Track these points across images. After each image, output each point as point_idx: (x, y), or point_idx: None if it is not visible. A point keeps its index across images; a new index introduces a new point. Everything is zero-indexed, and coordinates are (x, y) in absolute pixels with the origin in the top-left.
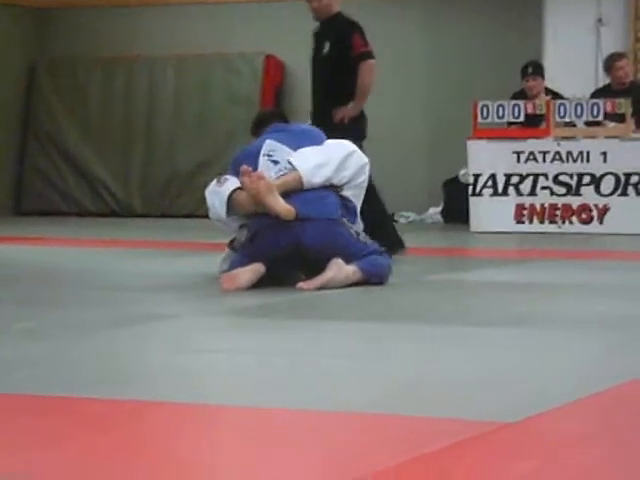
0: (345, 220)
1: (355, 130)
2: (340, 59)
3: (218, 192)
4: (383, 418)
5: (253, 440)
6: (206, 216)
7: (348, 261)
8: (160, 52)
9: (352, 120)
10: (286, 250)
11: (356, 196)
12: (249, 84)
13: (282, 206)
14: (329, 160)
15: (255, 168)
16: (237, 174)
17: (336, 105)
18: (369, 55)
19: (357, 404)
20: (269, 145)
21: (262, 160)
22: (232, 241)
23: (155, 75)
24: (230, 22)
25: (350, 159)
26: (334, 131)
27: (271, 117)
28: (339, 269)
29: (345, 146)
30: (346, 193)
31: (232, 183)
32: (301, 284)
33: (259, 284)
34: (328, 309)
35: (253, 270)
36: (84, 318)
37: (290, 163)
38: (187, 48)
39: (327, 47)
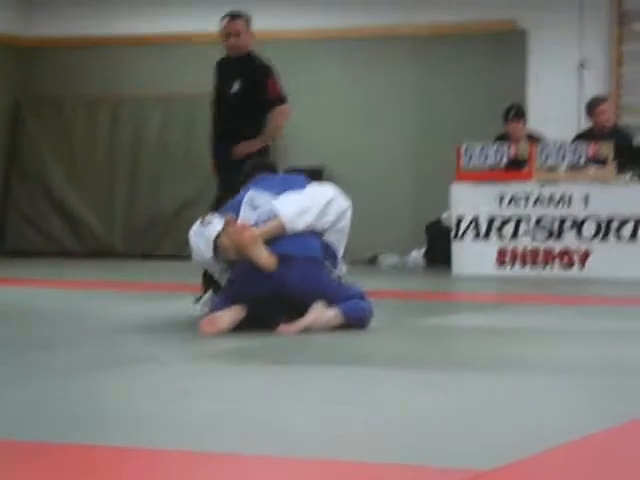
0: (327, 263)
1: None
2: (253, 100)
3: (203, 233)
4: (364, 466)
5: None
6: (190, 257)
7: (330, 304)
8: (146, 91)
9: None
10: (267, 293)
11: (338, 240)
12: None
13: (265, 257)
14: (311, 206)
15: (237, 217)
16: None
17: (233, 143)
18: (285, 99)
19: (337, 451)
20: (250, 195)
21: (243, 208)
22: (214, 283)
23: (140, 114)
24: (215, 61)
25: (332, 205)
26: (232, 166)
27: (259, 169)
28: (321, 313)
29: (327, 191)
30: (328, 238)
31: (217, 224)
32: (282, 327)
33: (239, 327)
34: (309, 353)
35: (234, 313)
36: (64, 361)
37: (272, 209)
38: (173, 87)
39: (237, 85)
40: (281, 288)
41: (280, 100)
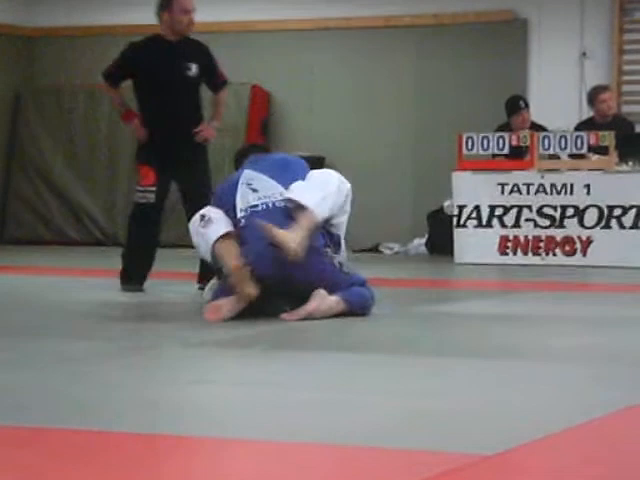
0: (328, 250)
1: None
2: (204, 83)
3: (203, 235)
4: (362, 450)
5: (233, 473)
6: (191, 246)
7: (331, 291)
8: None
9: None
10: (271, 280)
11: (342, 224)
12: (235, 115)
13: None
14: (328, 193)
15: (234, 197)
16: (219, 208)
17: (194, 126)
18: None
19: (337, 436)
20: (247, 174)
21: (241, 188)
22: (219, 271)
23: None
24: (215, 52)
25: (341, 189)
26: (198, 150)
27: (250, 150)
28: (322, 300)
29: (332, 174)
30: (333, 221)
31: (217, 226)
32: (284, 315)
33: (242, 315)
34: (311, 340)
35: (236, 300)
36: (66, 348)
37: (291, 200)
38: None
39: (194, 69)
40: (285, 274)
41: (225, 83)
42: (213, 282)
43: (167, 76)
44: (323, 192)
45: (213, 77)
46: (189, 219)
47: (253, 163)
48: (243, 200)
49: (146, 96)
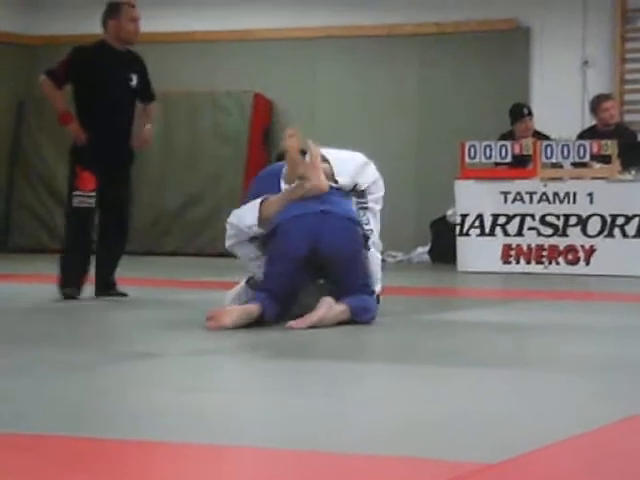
0: (360, 229)
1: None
2: (141, 93)
3: (245, 207)
4: (364, 459)
5: (232, 479)
6: (193, 254)
7: (347, 281)
8: None
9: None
10: (306, 251)
11: (374, 216)
12: (237, 122)
13: (318, 178)
14: (350, 159)
15: (279, 183)
16: (258, 194)
17: (129, 137)
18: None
19: (337, 445)
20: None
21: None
22: (250, 278)
23: None
24: (218, 60)
25: (367, 167)
26: (130, 162)
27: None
28: (329, 309)
29: (361, 156)
30: (371, 206)
31: (250, 205)
32: (292, 323)
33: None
34: (313, 348)
35: (243, 310)
36: (68, 355)
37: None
38: (175, 86)
39: (135, 79)
40: (318, 243)
41: (155, 97)
42: (240, 288)
43: (113, 84)
44: (346, 157)
45: (147, 90)
46: (103, 229)
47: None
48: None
49: (88, 101)
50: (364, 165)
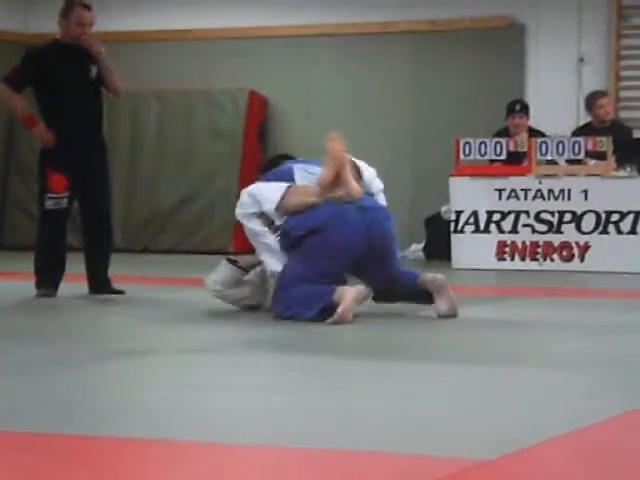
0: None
1: None
2: (100, 86)
3: (269, 184)
4: (362, 455)
5: (231, 479)
6: (187, 252)
7: (392, 265)
8: (143, 87)
9: None
10: (359, 242)
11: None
12: (232, 120)
13: (355, 184)
14: (367, 169)
15: (293, 180)
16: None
17: (98, 130)
18: None
19: (336, 441)
20: (299, 165)
21: (298, 172)
22: (230, 259)
23: (138, 111)
24: (213, 58)
25: (376, 179)
26: (103, 156)
27: (281, 158)
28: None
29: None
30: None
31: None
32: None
33: (243, 318)
34: (309, 345)
35: (358, 292)
36: (61, 353)
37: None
38: (170, 84)
39: (94, 71)
40: (370, 231)
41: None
42: (222, 270)
43: (71, 78)
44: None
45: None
46: (86, 227)
47: (296, 162)
48: (304, 181)
49: (50, 101)
50: (374, 175)
